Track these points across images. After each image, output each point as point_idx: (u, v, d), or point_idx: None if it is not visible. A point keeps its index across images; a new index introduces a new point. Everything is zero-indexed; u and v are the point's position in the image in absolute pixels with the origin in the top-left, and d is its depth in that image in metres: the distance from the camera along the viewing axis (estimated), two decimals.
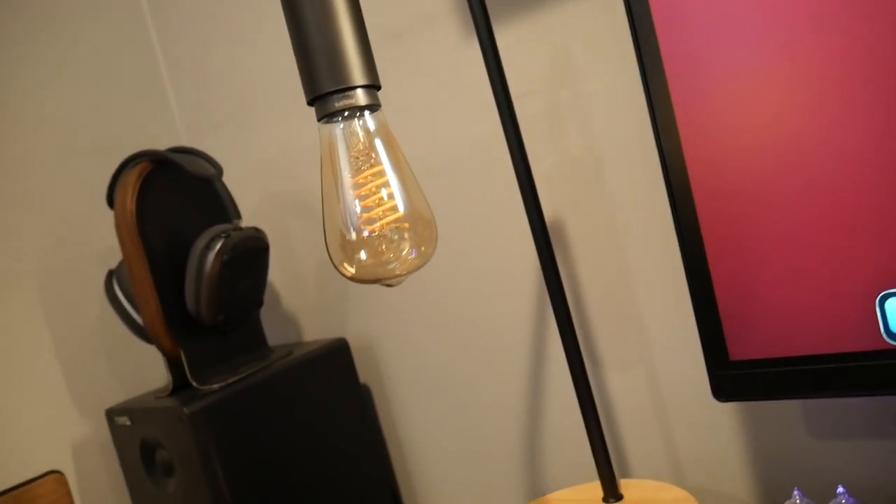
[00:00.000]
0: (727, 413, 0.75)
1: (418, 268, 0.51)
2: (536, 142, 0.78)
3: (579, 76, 0.76)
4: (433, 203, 0.53)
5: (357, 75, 0.48)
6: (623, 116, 0.74)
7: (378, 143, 0.50)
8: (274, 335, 1.11)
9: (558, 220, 0.80)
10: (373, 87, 0.49)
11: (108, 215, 0.87)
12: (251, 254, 0.88)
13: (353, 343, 1.00)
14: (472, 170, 0.86)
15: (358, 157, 0.49)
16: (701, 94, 0.51)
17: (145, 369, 1.03)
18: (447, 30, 0.84)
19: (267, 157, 1.08)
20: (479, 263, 0.89)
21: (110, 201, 0.88)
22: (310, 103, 0.50)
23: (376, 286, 0.98)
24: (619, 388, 0.81)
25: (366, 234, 0.49)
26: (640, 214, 0.75)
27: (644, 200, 0.74)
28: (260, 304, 0.94)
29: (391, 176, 0.50)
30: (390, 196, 0.50)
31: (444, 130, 0.87)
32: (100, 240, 1.02)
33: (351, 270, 0.50)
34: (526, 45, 0.78)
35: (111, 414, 0.91)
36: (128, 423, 0.89)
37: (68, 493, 0.85)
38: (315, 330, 1.09)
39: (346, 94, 0.48)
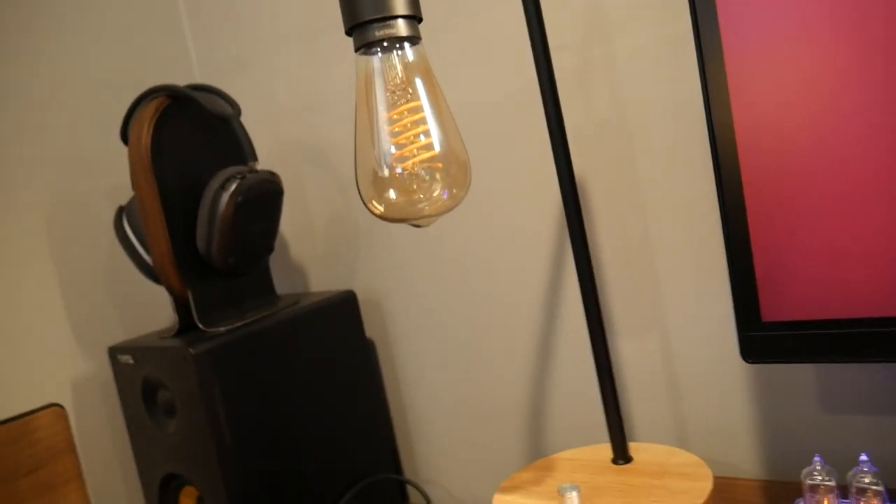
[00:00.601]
0: (739, 383, 0.74)
1: (449, 209, 0.50)
2: (566, 98, 0.77)
3: (613, 33, 0.74)
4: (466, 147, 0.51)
5: (399, 4, 0.46)
6: (655, 77, 0.72)
7: (417, 77, 0.48)
8: (282, 284, 1.10)
9: (581, 180, 0.79)
10: (414, 17, 0.47)
11: (122, 150, 0.85)
12: (266, 197, 0.86)
13: (360, 296, 0.99)
14: (502, 119, 0.84)
15: (395, 92, 0.48)
16: (754, 50, 0.49)
17: (151, 309, 1.03)
18: None
19: (284, 102, 1.06)
20: (497, 219, 0.87)
21: (124, 136, 0.86)
22: (348, 32, 0.48)
23: (388, 239, 0.97)
24: (630, 354, 0.81)
25: (398, 171, 0.48)
26: (665, 179, 0.74)
27: (671, 165, 0.73)
28: (271, 249, 0.92)
29: (428, 113, 0.48)
30: (426, 134, 0.48)
31: (480, 77, 0.85)
32: (112, 175, 1.00)
33: (380, 208, 0.49)
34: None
35: (114, 352, 0.90)
36: (131, 361, 0.88)
37: (67, 428, 0.85)
38: (323, 281, 1.08)
39: (387, 23, 0.46)
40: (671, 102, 0.72)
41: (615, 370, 0.81)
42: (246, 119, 0.95)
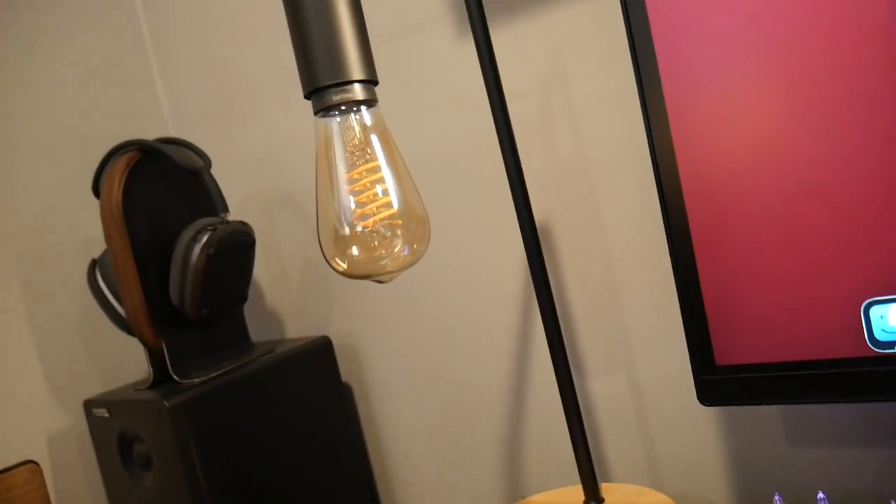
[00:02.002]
0: (707, 420, 0.75)
1: (410, 265, 0.51)
2: (527, 144, 0.79)
3: (572, 80, 0.76)
4: (423, 202, 0.53)
5: (355, 70, 0.48)
6: (614, 121, 0.75)
7: (374, 138, 0.50)
8: (257, 331, 1.10)
9: (546, 223, 0.81)
10: (370, 82, 0.49)
11: (94, 204, 0.86)
12: (237, 248, 0.87)
13: (336, 341, 1.00)
14: (462, 170, 0.86)
15: (354, 152, 0.49)
16: (694, 101, 0.51)
17: (125, 361, 1.02)
18: (443, 29, 0.84)
19: (255, 151, 1.07)
20: (465, 264, 0.89)
21: (96, 190, 0.87)
22: (307, 96, 0.49)
23: (362, 285, 0.98)
24: (600, 393, 0.82)
25: (359, 229, 0.49)
26: (628, 219, 0.76)
27: (633, 205, 0.75)
28: (244, 298, 0.93)
29: (386, 172, 0.50)
30: (385, 192, 0.50)
31: (437, 129, 0.87)
32: (84, 229, 1.01)
33: (343, 266, 0.50)
34: (520, 47, 0.79)
35: (89, 405, 0.90)
36: (106, 414, 0.88)
37: (43, 485, 0.84)
38: (298, 327, 1.08)
39: (344, 88, 0.48)
40: (629, 144, 0.74)
41: (587, 410, 0.82)
42: (219, 167, 0.96)
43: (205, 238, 0.83)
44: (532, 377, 0.86)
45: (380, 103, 0.51)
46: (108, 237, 0.83)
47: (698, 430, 0.76)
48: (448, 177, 0.87)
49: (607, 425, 0.82)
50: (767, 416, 0.72)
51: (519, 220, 0.65)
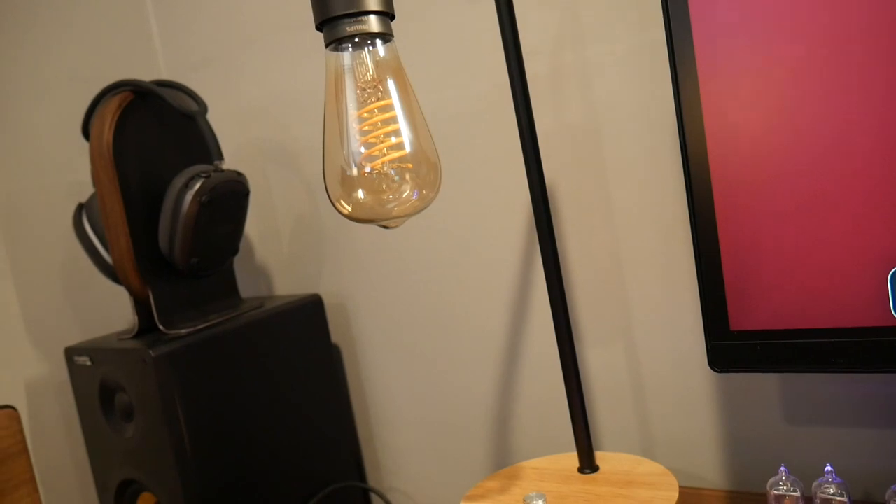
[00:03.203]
0: (704, 395, 0.74)
1: (418, 211, 0.49)
2: (537, 103, 0.76)
3: (586, 40, 0.74)
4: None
5: (371, 0, 0.45)
6: (626, 86, 0.72)
7: (388, 75, 0.47)
8: (246, 286, 1.08)
9: (551, 185, 0.79)
10: (386, 14, 0.46)
11: (84, 146, 0.83)
12: (231, 197, 0.85)
13: (326, 301, 0.98)
14: (471, 124, 0.84)
15: (366, 89, 0.47)
16: (725, 59, 0.49)
17: (110, 310, 1.00)
18: None
19: (251, 101, 1.04)
20: (464, 225, 0.87)
21: (86, 132, 0.84)
22: (318, 27, 0.47)
23: (355, 244, 0.96)
24: (597, 363, 0.80)
25: (367, 170, 0.47)
26: (636, 187, 0.74)
27: (642, 173, 0.73)
28: (235, 251, 0.90)
29: (399, 112, 0.47)
30: (396, 133, 0.47)
31: (451, 80, 0.85)
32: (72, 172, 0.97)
33: (348, 208, 0.48)
34: (537, 4, 0.76)
35: (70, 353, 0.88)
36: (88, 363, 0.85)
37: (20, 431, 0.82)
38: (289, 284, 1.06)
39: (359, 18, 0.45)
40: (643, 110, 0.72)
41: (582, 379, 0.81)
42: (212, 117, 0.93)
43: (197, 185, 0.80)
44: (527, 343, 0.85)
45: (397, 47, 0.49)
46: (96, 180, 0.80)
47: (694, 404, 0.75)
48: (459, 128, 0.84)
49: (602, 396, 0.81)
50: (766, 394, 0.70)
51: (529, 180, 0.63)
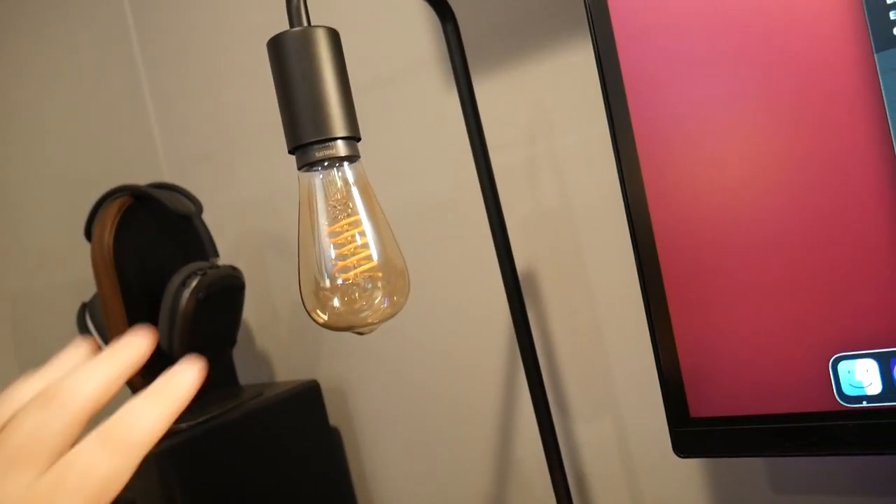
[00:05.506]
0: (693, 467, 0.75)
1: (390, 316, 0.52)
2: (512, 193, 0.80)
3: (555, 130, 0.78)
4: (408, 250, 0.54)
5: (338, 127, 0.49)
6: (597, 170, 0.76)
7: (356, 193, 0.51)
8: (246, 373, 1.11)
9: (531, 271, 0.82)
10: (353, 138, 0.50)
11: (85, 247, 0.87)
12: (227, 292, 0.88)
13: (324, 385, 1.00)
14: (449, 218, 0.88)
15: (336, 206, 0.50)
16: (667, 153, 0.53)
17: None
18: (428, 80, 0.86)
19: (248, 194, 1.09)
20: (453, 311, 0.90)
21: (88, 234, 0.88)
22: (291, 152, 0.51)
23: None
24: (586, 438, 0.82)
25: (340, 281, 0.50)
26: (611, 267, 0.77)
27: (615, 254, 0.76)
28: (233, 342, 0.94)
29: (367, 226, 0.51)
30: (365, 245, 0.51)
31: (422, 178, 0.89)
32: (75, 271, 1.01)
33: (323, 317, 0.51)
34: (504, 98, 0.81)
35: None
36: None
37: None
38: (287, 370, 1.09)
39: (327, 144, 0.49)
40: (612, 193, 0.75)
41: (573, 454, 0.82)
42: (213, 208, 0.98)
43: (194, 283, 0.84)
44: (520, 422, 0.87)
45: (364, 151, 0.52)
46: (98, 282, 0.84)
47: (683, 477, 0.76)
48: (435, 225, 0.88)
49: (593, 471, 0.82)
50: (751, 465, 0.72)
51: (501, 267, 0.66)
